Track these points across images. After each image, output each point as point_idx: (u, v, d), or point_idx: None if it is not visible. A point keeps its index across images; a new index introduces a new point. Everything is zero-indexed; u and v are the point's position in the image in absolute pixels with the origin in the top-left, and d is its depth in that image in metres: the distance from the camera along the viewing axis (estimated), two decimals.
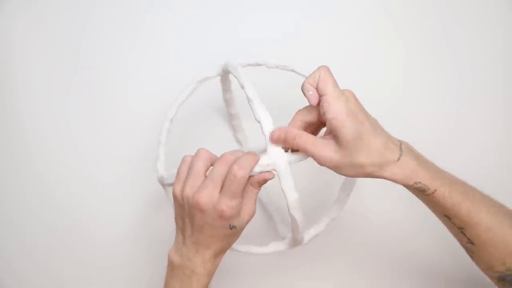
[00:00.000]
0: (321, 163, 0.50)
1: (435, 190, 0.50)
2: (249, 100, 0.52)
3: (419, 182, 0.50)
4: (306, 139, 0.50)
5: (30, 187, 0.75)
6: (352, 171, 0.49)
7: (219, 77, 0.64)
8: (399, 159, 0.49)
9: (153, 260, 0.74)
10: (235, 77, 0.55)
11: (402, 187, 0.51)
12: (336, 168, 0.49)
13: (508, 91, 0.76)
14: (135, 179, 0.75)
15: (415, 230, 0.73)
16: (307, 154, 0.50)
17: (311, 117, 0.51)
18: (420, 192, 0.51)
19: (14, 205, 0.75)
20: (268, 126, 0.50)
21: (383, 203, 0.72)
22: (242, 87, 0.53)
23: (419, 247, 0.73)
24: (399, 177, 0.49)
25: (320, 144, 0.49)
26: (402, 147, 0.50)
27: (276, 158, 0.50)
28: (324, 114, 0.49)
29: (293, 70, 0.61)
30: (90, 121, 0.76)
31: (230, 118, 0.74)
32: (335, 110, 0.48)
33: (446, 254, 0.72)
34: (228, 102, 0.71)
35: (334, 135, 0.49)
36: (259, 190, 0.51)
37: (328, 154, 0.49)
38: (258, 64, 0.61)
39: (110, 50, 0.77)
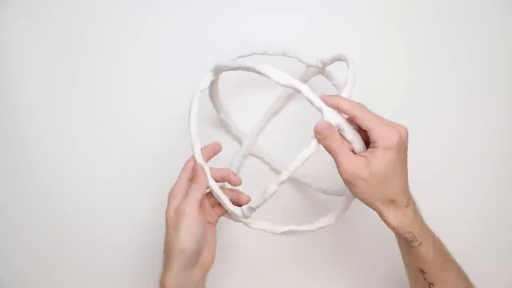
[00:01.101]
0: (343, 168, 0.49)
1: (421, 243, 0.51)
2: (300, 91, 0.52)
3: (411, 232, 0.51)
4: (337, 139, 0.49)
5: (30, 187, 0.75)
6: (362, 192, 0.49)
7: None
8: (406, 206, 0.50)
9: (155, 261, 0.74)
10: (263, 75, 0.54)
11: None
12: (353, 180, 0.49)
13: (508, 91, 0.77)
14: (135, 179, 0.75)
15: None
16: (330, 151, 0.50)
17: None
18: (407, 242, 0.52)
19: (14, 205, 0.75)
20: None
21: None
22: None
23: None
24: (397, 223, 0.50)
25: (347, 151, 0.49)
26: (410, 198, 0.51)
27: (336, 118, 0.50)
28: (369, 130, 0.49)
29: (296, 57, 0.64)
30: (90, 121, 0.76)
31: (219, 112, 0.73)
32: (390, 139, 0.48)
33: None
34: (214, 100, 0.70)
35: (372, 149, 0.49)
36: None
37: (353, 163, 0.48)
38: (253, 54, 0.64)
39: (110, 50, 0.77)
